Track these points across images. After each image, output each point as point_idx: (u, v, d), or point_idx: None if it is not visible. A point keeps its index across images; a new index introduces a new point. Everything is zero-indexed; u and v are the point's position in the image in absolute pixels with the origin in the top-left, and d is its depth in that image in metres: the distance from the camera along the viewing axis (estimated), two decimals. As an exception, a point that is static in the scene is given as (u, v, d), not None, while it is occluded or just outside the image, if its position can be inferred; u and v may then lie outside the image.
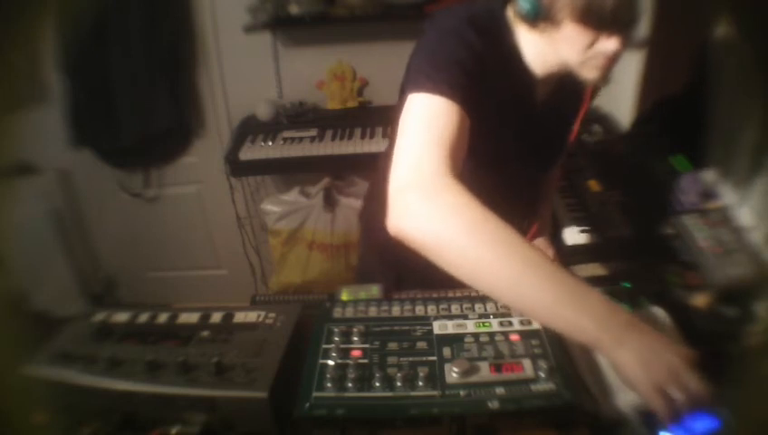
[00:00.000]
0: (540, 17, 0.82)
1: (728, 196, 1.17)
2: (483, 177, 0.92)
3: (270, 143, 2.07)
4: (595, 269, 1.17)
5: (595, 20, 0.77)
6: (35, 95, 2.00)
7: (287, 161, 2.04)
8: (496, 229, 0.67)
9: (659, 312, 0.88)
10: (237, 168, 2.08)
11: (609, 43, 0.79)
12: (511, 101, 0.91)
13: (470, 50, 0.81)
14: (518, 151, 0.98)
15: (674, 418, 0.60)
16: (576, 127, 1.07)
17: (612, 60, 0.81)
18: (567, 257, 1.29)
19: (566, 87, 0.95)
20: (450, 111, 0.75)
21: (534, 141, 0.99)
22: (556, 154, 1.13)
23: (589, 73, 0.84)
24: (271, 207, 2.23)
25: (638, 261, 1.11)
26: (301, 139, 2.09)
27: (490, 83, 0.83)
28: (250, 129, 2.20)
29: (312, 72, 2.26)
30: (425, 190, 0.70)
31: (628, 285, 0.92)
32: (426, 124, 0.75)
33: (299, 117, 2.22)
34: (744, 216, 1.07)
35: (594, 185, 1.63)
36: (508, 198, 0.97)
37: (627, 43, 0.80)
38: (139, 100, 2.12)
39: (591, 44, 0.80)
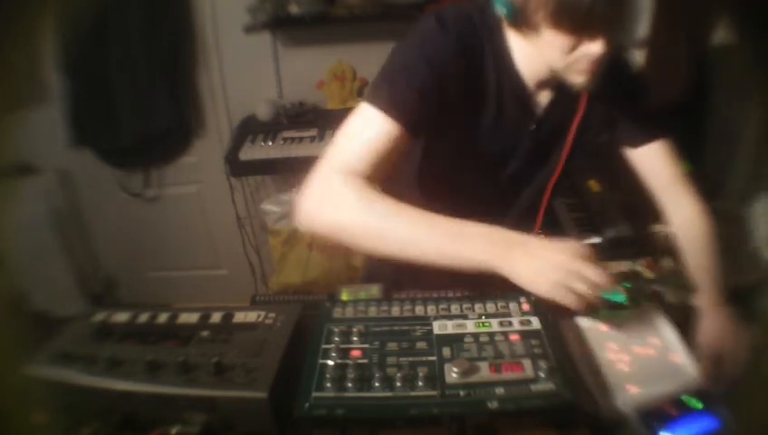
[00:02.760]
0: (517, 21, 0.78)
1: (728, 196, 1.17)
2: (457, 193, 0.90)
3: (270, 143, 2.07)
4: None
5: (569, 24, 0.72)
6: (35, 95, 2.00)
7: (287, 161, 2.03)
8: (389, 204, 0.74)
9: (659, 312, 0.88)
10: (237, 168, 2.08)
11: (592, 47, 0.73)
12: (498, 113, 0.87)
13: (440, 61, 0.79)
14: (506, 169, 0.96)
15: (585, 309, 0.67)
16: (569, 139, 0.95)
17: (598, 63, 0.75)
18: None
19: (566, 100, 0.89)
20: (387, 127, 0.78)
21: (530, 159, 0.95)
22: (555, 176, 1.01)
23: (575, 78, 0.79)
24: (271, 207, 2.23)
25: (637, 261, 1.11)
26: (301, 139, 2.09)
27: (465, 93, 0.83)
28: (250, 129, 2.20)
29: (312, 72, 2.25)
30: (332, 183, 0.75)
31: (629, 285, 0.92)
32: (357, 134, 0.79)
33: (299, 117, 2.22)
34: (745, 216, 1.07)
35: (594, 185, 1.63)
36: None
37: (612, 44, 0.74)
38: (139, 100, 2.11)
39: (573, 48, 0.74)
